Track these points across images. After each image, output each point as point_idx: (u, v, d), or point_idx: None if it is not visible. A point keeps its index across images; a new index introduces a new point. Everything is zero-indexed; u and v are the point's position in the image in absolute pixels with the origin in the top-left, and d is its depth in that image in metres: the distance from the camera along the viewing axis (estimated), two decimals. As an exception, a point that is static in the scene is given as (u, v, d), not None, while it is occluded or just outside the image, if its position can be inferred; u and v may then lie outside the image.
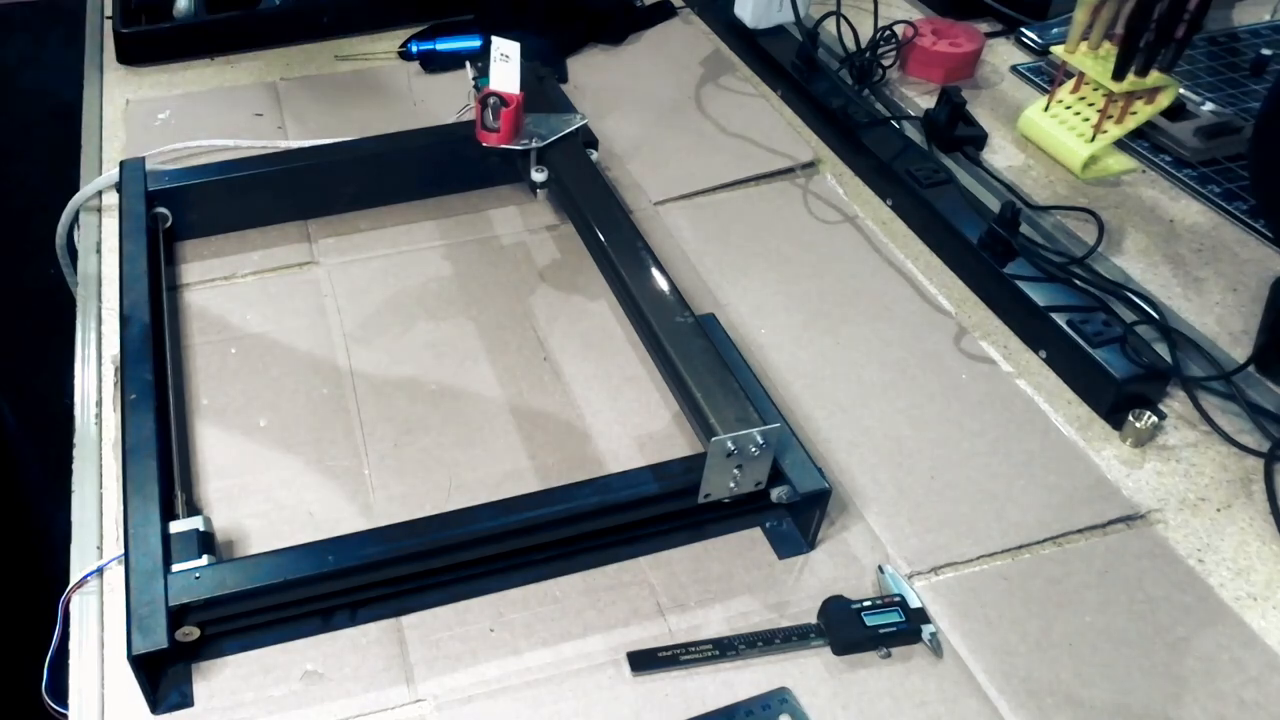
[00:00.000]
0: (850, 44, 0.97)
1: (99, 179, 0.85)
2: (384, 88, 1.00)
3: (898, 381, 0.72)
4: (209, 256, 0.80)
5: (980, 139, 0.93)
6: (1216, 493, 0.65)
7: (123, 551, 0.56)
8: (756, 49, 1.03)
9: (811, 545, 0.61)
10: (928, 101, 0.95)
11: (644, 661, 0.55)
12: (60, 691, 0.56)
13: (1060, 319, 0.72)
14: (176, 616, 0.53)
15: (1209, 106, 0.95)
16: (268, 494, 0.63)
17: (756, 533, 0.62)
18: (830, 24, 0.99)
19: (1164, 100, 0.87)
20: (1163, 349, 0.71)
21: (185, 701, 0.54)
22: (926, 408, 0.70)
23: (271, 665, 0.55)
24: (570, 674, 0.55)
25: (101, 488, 0.64)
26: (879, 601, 0.57)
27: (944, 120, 0.91)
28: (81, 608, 0.58)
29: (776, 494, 0.60)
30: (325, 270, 0.79)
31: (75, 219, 0.85)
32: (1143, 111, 0.87)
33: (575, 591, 0.59)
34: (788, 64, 0.99)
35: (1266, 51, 1.03)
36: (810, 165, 0.91)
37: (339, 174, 0.82)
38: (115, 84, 1.00)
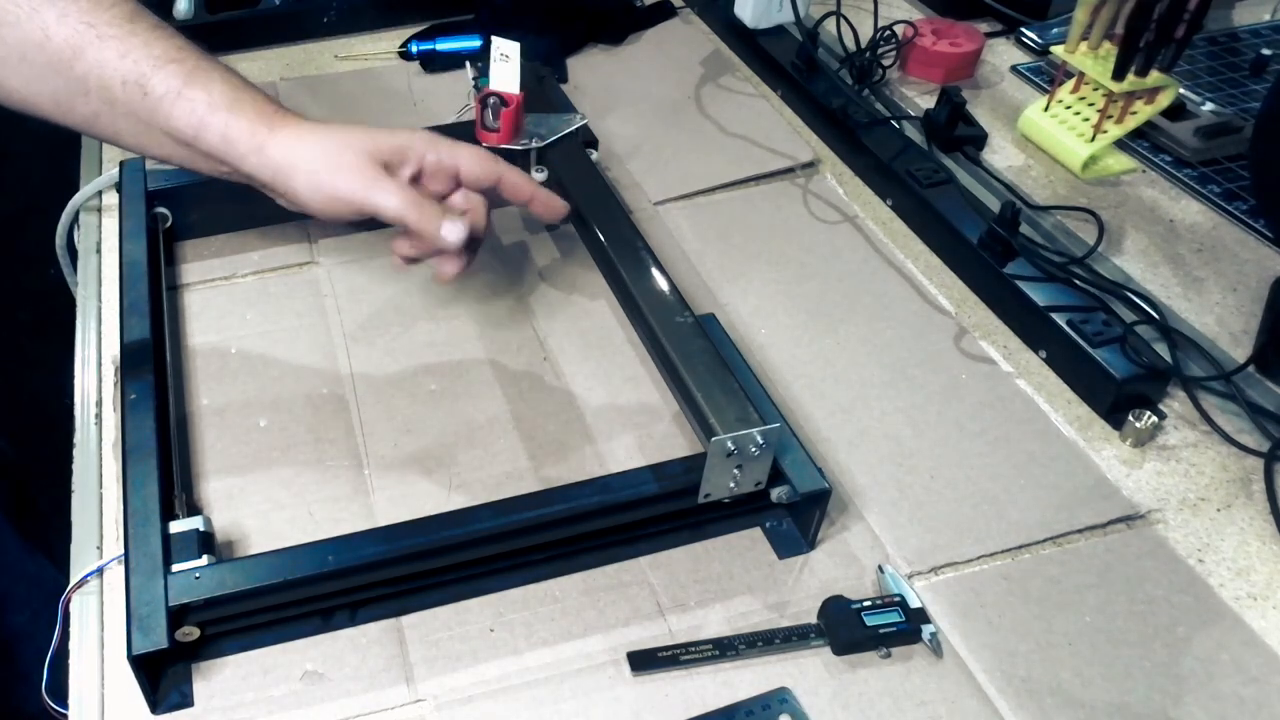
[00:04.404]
0: (850, 44, 0.97)
1: (99, 179, 0.85)
2: (384, 88, 0.99)
3: (898, 381, 0.72)
4: (209, 256, 0.80)
5: (980, 139, 0.93)
6: (1216, 493, 0.65)
7: (123, 551, 0.56)
8: (756, 49, 1.03)
9: (811, 545, 0.61)
10: (928, 101, 0.95)
11: (644, 661, 0.55)
12: (60, 691, 0.56)
13: (1060, 319, 0.72)
14: (176, 616, 0.53)
15: (1209, 106, 0.95)
16: (268, 494, 0.63)
17: (756, 533, 0.62)
18: (830, 24, 0.99)
19: (1164, 100, 0.87)
20: (1163, 349, 0.71)
21: (185, 701, 0.54)
22: (926, 408, 0.70)
23: (271, 665, 0.56)
24: (570, 674, 0.55)
25: (101, 488, 0.64)
26: (879, 601, 0.57)
27: (944, 120, 0.91)
28: (81, 608, 0.58)
29: (776, 494, 0.60)
30: (325, 270, 0.79)
31: (75, 219, 0.85)
32: (1143, 111, 0.87)
33: (575, 591, 0.59)
34: (788, 64, 0.99)
35: (1266, 51, 1.03)
36: (810, 165, 0.91)
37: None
38: (115, 84, 1.00)
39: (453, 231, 0.61)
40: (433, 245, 0.62)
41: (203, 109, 0.59)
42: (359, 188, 0.60)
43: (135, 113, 0.59)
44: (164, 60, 0.59)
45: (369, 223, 0.64)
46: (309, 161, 0.60)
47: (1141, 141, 0.93)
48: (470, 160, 0.65)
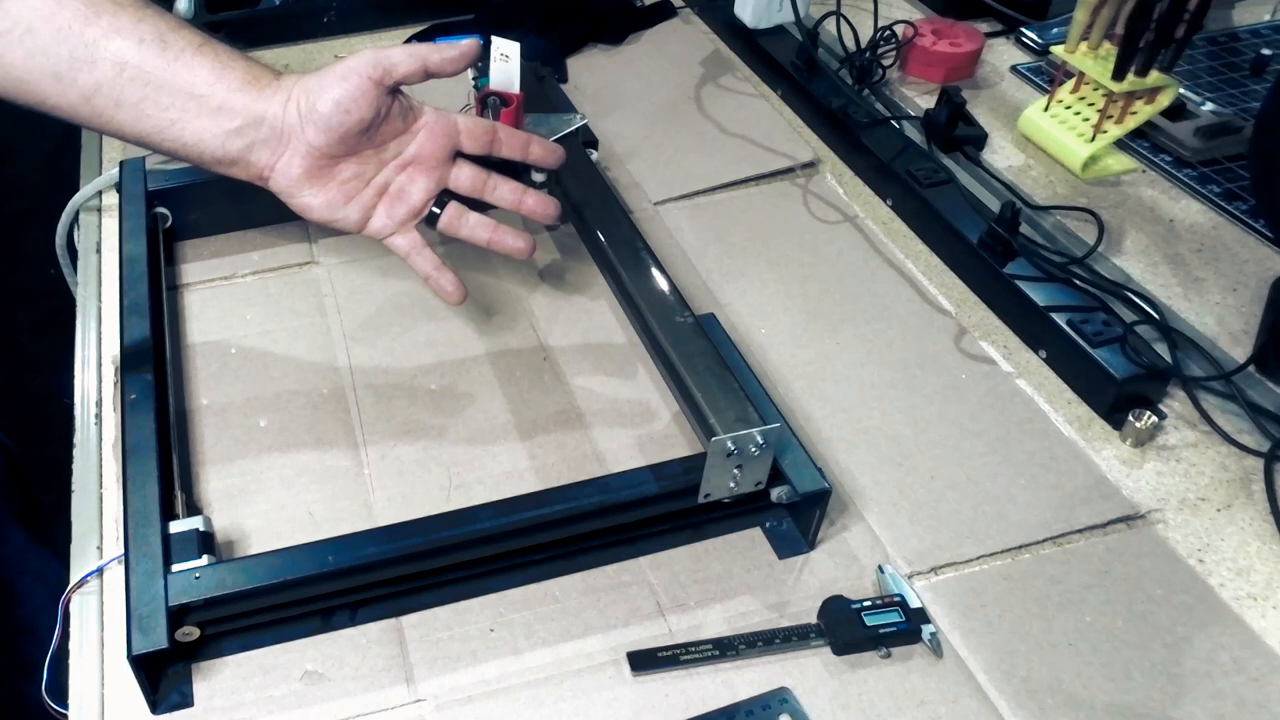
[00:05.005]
0: (850, 44, 0.97)
1: (99, 179, 0.85)
2: (384, 88, 0.99)
3: (898, 381, 0.72)
4: (209, 256, 0.80)
5: (980, 139, 0.93)
6: (1216, 493, 0.65)
7: (123, 551, 0.56)
8: (756, 49, 1.03)
9: (811, 545, 0.61)
10: (928, 101, 0.95)
11: (644, 661, 0.55)
12: (60, 691, 0.56)
13: (1060, 319, 0.72)
14: (176, 616, 0.53)
15: (1209, 106, 0.95)
16: (268, 494, 0.63)
17: (756, 533, 0.62)
18: (830, 24, 0.99)
19: (1164, 100, 0.87)
20: (1163, 349, 0.71)
21: (185, 701, 0.54)
22: (926, 408, 0.70)
23: (271, 665, 0.56)
24: (570, 674, 0.55)
25: (101, 488, 0.64)
26: (879, 601, 0.57)
27: (944, 120, 0.91)
28: (81, 608, 0.58)
29: (776, 494, 0.60)
30: (325, 270, 0.79)
31: (75, 219, 0.85)
32: (1143, 111, 0.87)
33: (575, 591, 0.59)
34: (788, 64, 0.99)
35: (1266, 51, 1.03)
36: (810, 165, 0.91)
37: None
38: (115, 84, 1.00)
39: (469, 45, 0.65)
40: (456, 66, 0.65)
41: (225, 56, 0.61)
42: (377, 54, 0.63)
43: (149, 73, 0.59)
44: (179, 26, 0.61)
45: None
46: (332, 68, 0.62)
47: (1141, 141, 0.93)
48: (467, 119, 0.68)
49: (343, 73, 0.62)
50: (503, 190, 0.69)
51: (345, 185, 0.64)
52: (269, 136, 0.61)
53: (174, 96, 0.60)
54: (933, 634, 0.56)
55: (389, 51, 0.63)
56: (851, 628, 0.56)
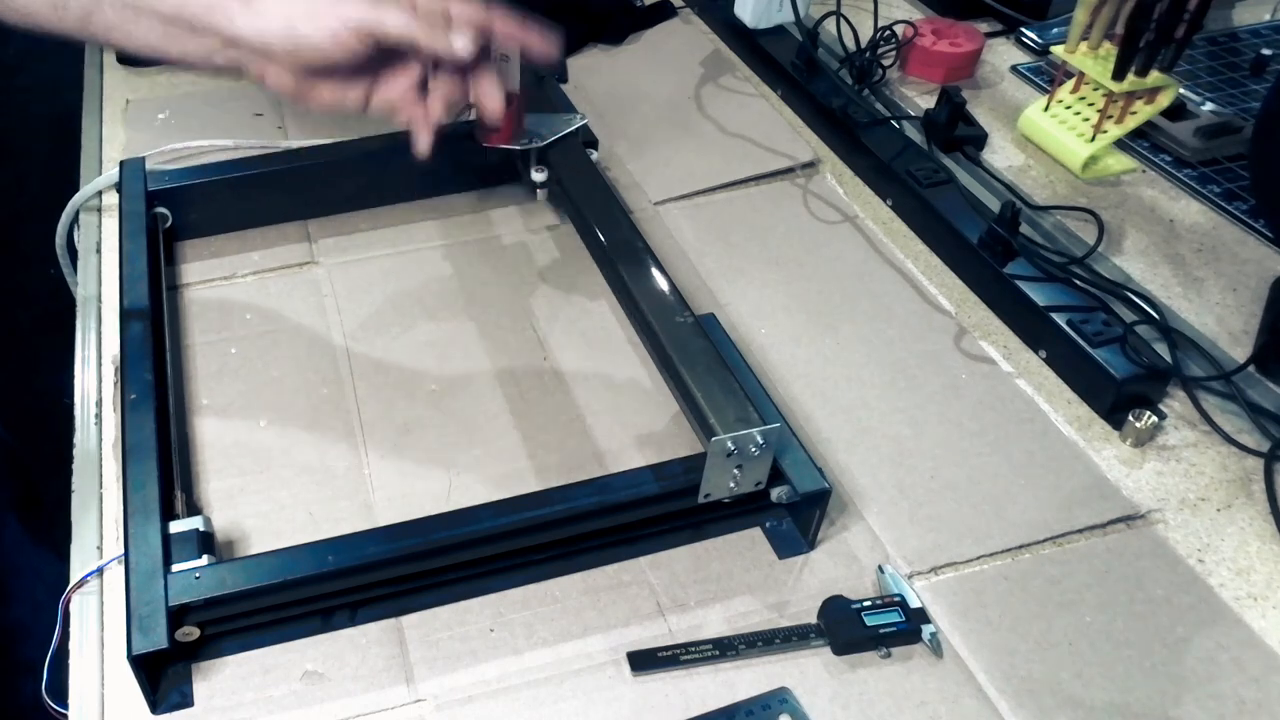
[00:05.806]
0: (850, 44, 0.97)
1: (99, 179, 0.85)
2: (384, 88, 0.99)
3: (898, 381, 0.72)
4: (209, 256, 0.80)
5: (980, 139, 0.93)
6: (1216, 493, 0.65)
7: (123, 551, 0.56)
8: (756, 49, 1.03)
9: (811, 545, 0.61)
10: (928, 101, 0.95)
11: (644, 661, 0.55)
12: (60, 691, 0.56)
13: (1060, 319, 0.72)
14: (176, 616, 0.53)
15: (1209, 106, 0.95)
16: (268, 494, 0.63)
17: (756, 533, 0.62)
18: (830, 24, 0.99)
19: (1164, 100, 0.87)
20: (1163, 349, 0.71)
21: (185, 701, 0.54)
22: (926, 408, 0.70)
23: (271, 665, 0.56)
24: (570, 674, 0.55)
25: (101, 488, 0.64)
26: (879, 601, 0.57)
27: (944, 120, 0.91)
28: (81, 608, 0.58)
29: (776, 494, 0.60)
30: (325, 270, 0.80)
31: (75, 219, 0.85)
32: (1143, 111, 0.87)
33: (575, 591, 0.59)
34: (788, 64, 0.99)
35: (1266, 51, 1.03)
36: (810, 165, 0.91)
37: (339, 174, 0.82)
38: (115, 84, 1.00)
39: (462, 41, 0.62)
40: (445, 58, 0.63)
41: None
42: (364, 11, 0.61)
43: (131, 1, 0.60)
44: None
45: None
46: (306, 3, 0.61)
47: (1141, 141, 0.93)
48: (459, 3, 0.65)
49: (332, 6, 0.60)
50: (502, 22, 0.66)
51: (345, 82, 0.63)
52: (251, 56, 0.62)
53: (154, 21, 0.61)
54: (933, 634, 0.56)
55: (380, 13, 0.61)
56: (851, 628, 0.56)
